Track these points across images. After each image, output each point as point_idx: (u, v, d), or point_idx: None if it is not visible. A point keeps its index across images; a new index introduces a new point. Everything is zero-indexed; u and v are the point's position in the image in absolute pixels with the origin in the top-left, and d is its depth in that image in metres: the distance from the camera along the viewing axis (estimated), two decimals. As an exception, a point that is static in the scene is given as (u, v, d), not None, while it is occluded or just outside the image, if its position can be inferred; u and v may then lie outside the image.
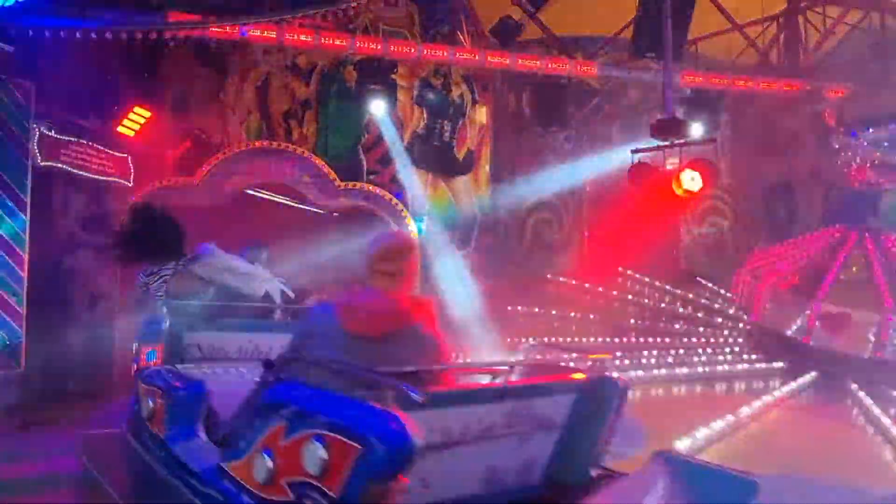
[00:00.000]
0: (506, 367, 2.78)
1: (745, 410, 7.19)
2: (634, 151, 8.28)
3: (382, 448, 1.92)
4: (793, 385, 8.50)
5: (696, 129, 9.23)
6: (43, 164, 7.41)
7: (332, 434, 2.04)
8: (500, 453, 2.48)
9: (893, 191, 10.62)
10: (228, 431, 2.90)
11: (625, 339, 10.27)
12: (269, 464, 2.29)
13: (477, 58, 9.41)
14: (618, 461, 2.83)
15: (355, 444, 1.96)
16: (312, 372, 2.48)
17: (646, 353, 9.55)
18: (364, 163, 10.03)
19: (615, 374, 2.84)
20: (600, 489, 2.53)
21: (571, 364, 3.03)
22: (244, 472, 2.43)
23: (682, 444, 5.93)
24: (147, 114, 8.28)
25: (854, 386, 8.37)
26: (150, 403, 3.51)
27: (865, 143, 9.91)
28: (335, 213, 11.14)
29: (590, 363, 2.85)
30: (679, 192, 8.17)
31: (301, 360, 2.57)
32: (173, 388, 3.42)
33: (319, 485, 2.04)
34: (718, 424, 6.59)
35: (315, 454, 2.06)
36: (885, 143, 9.74)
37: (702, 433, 6.26)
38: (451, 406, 2.29)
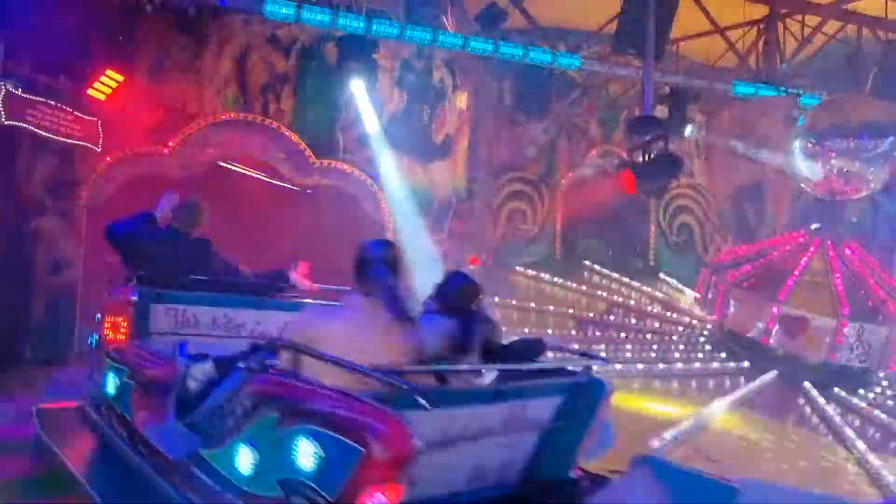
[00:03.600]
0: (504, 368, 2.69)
1: (706, 411, 7.33)
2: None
3: (383, 450, 1.82)
4: (752, 385, 8.72)
5: (673, 128, 9.34)
6: (7, 122, 7.21)
7: (328, 431, 1.94)
8: (486, 453, 2.43)
9: (858, 200, 10.91)
10: (205, 416, 2.77)
11: (583, 333, 10.39)
12: (256, 457, 2.18)
13: (460, 42, 9.34)
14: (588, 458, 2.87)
15: (354, 444, 1.86)
16: (305, 362, 2.31)
17: (602, 346, 9.70)
18: (341, 141, 9.94)
19: (600, 376, 2.82)
20: (585, 494, 2.53)
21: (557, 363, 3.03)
22: (226, 463, 2.31)
23: (654, 444, 6.01)
24: (120, 78, 8.07)
25: (807, 385, 8.66)
26: (117, 381, 3.36)
27: (833, 152, 10.14)
28: (309, 191, 11.05)
29: (579, 365, 2.85)
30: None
31: (293, 348, 2.39)
32: (144, 366, 3.24)
33: (313, 484, 1.95)
34: (684, 425, 6.68)
35: (310, 451, 1.95)
36: (853, 153, 9.97)
37: (669, 433, 6.35)
38: (453, 406, 2.20)
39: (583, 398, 2.68)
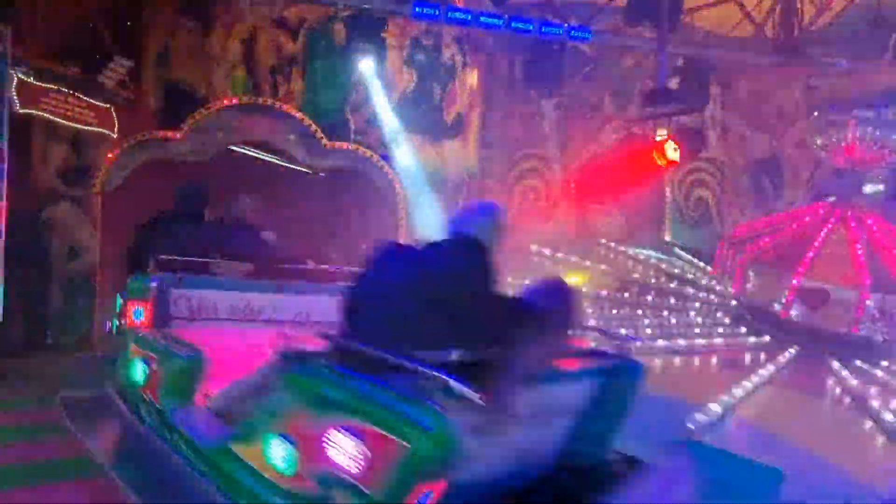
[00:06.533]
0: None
1: (737, 391, 7.11)
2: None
3: (430, 447, 1.74)
4: (778, 362, 8.55)
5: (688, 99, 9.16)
6: (21, 110, 7.23)
7: (371, 426, 1.85)
8: (521, 439, 2.33)
9: (880, 170, 10.69)
10: (234, 405, 2.71)
11: (602, 311, 10.33)
12: (291, 452, 2.11)
13: (470, 18, 9.20)
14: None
15: (399, 441, 1.78)
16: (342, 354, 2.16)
17: (625, 324, 9.62)
18: (351, 123, 9.88)
19: (636, 358, 2.69)
20: (626, 480, 2.43)
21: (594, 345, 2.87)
22: (258, 458, 2.25)
23: (689, 427, 5.85)
24: (129, 63, 8.07)
25: (833, 361, 8.52)
26: (145, 368, 3.38)
27: (855, 121, 9.91)
28: (322, 174, 11.04)
29: (614, 345, 2.74)
30: (661, 162, 8.23)
31: (329, 339, 2.25)
32: (172, 354, 3.27)
33: (354, 481, 1.86)
34: (714, 406, 6.52)
35: (350, 447, 1.88)
36: (876, 122, 9.74)
37: (704, 417, 6.16)
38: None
39: (617, 381, 2.57)
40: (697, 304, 10.80)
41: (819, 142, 10.42)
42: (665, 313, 10.42)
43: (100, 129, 8.12)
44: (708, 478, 2.32)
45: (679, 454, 2.51)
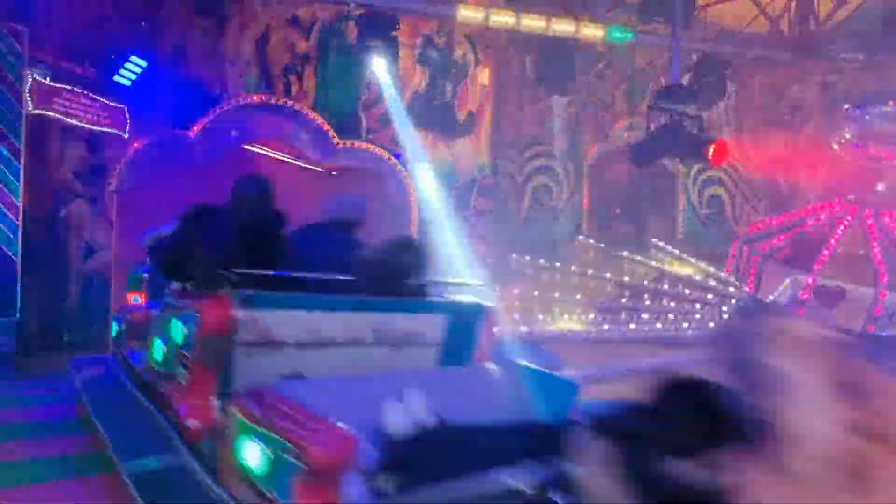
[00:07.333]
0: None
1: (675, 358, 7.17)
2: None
3: (209, 316, 2.62)
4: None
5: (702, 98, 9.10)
6: (35, 111, 7.30)
7: (189, 313, 2.79)
8: (379, 360, 2.94)
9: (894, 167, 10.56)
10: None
11: (615, 301, 10.32)
12: (161, 345, 3.14)
13: (481, 16, 9.19)
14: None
15: (196, 315, 2.68)
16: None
17: (626, 315, 9.65)
18: (363, 121, 9.90)
19: (483, 300, 3.30)
20: (441, 377, 2.94)
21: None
22: (154, 360, 3.28)
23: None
24: (144, 63, 8.12)
25: None
26: (118, 326, 4.55)
27: (871, 118, 9.80)
28: (334, 172, 11.05)
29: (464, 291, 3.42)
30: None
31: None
32: (130, 313, 4.41)
33: (185, 351, 2.83)
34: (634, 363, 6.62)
35: (183, 328, 2.84)
36: (891, 117, 9.62)
37: (616, 367, 6.28)
38: (294, 307, 2.78)
39: (465, 318, 3.15)
40: (709, 297, 10.72)
41: (836, 139, 10.31)
42: (668, 303, 10.40)
43: (114, 130, 8.18)
44: (514, 383, 2.79)
45: (496, 365, 3.01)
